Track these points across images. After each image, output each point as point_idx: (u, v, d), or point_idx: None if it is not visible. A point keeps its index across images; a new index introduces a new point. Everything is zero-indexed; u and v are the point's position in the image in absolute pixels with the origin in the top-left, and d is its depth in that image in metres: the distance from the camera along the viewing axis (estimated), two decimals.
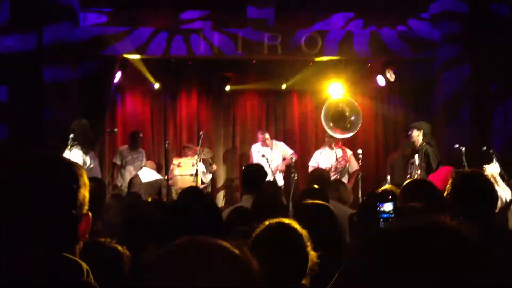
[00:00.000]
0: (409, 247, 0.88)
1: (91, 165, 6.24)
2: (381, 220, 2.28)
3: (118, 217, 3.71)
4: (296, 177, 7.18)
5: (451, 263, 0.86)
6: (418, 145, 6.96)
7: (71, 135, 6.06)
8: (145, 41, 7.63)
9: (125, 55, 7.79)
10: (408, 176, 6.61)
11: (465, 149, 6.30)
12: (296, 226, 2.17)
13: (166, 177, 7.50)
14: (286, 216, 2.40)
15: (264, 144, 8.13)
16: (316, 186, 4.63)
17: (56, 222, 1.30)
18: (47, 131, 7.24)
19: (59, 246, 1.29)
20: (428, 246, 0.87)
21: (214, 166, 8.40)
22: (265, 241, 2.10)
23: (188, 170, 7.68)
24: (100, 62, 7.95)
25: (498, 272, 0.90)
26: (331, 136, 7.81)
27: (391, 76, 8.25)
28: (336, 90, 8.12)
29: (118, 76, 8.07)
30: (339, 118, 7.76)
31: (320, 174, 5.58)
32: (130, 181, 7.32)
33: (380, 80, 8.45)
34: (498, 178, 5.01)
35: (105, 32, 7.63)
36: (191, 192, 4.31)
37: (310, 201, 3.09)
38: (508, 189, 5.00)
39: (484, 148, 6.00)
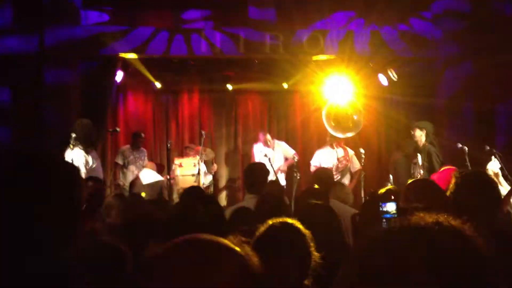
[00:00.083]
0: (412, 247, 0.88)
1: (93, 165, 6.24)
2: (384, 220, 2.28)
3: (120, 217, 3.71)
4: (298, 177, 7.17)
5: (454, 263, 0.86)
6: (421, 145, 6.96)
7: (73, 135, 6.07)
8: (145, 40, 7.63)
9: (125, 55, 7.79)
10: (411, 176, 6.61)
11: (467, 149, 6.29)
12: (300, 226, 2.16)
13: (168, 177, 7.51)
14: (289, 216, 2.40)
15: (266, 144, 8.13)
16: (316, 186, 4.61)
17: (54, 221, 1.30)
18: (48, 131, 7.25)
19: (58, 245, 1.29)
20: (431, 246, 0.87)
21: (215, 166, 8.40)
22: (268, 241, 2.09)
23: (190, 170, 7.68)
24: (100, 61, 7.95)
25: (501, 272, 0.90)
26: (332, 136, 7.79)
27: (393, 75, 8.23)
28: (337, 90, 8.10)
29: (120, 76, 8.07)
30: (341, 118, 7.74)
31: (325, 173, 5.55)
32: (131, 183, 7.33)
33: (383, 80, 8.44)
34: (500, 178, 4.99)
35: (106, 31, 7.63)
36: (193, 191, 4.31)
37: (313, 201, 3.08)
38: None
39: (487, 147, 5.98)
